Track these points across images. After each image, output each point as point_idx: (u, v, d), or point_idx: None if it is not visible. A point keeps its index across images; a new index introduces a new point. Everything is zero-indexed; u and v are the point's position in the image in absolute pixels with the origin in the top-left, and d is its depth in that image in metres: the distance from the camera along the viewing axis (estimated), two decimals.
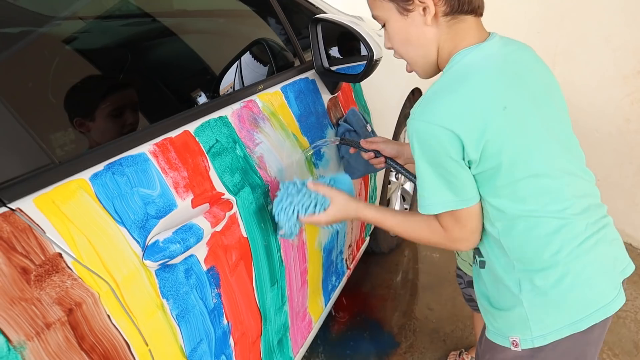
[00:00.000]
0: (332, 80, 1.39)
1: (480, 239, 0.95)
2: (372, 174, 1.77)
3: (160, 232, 0.83)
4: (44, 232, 0.68)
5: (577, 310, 0.88)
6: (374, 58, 1.26)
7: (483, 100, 0.82)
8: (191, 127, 0.97)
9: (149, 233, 0.82)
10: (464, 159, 0.84)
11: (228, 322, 1.00)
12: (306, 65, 1.39)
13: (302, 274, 1.32)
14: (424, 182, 0.88)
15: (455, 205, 0.87)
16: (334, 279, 1.58)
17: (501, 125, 0.82)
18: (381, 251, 2.25)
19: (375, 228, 2.02)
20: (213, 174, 0.97)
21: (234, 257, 1.00)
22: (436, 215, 0.92)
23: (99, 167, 0.79)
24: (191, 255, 0.89)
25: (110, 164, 0.80)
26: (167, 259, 0.82)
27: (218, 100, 1.08)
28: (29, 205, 0.68)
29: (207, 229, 0.89)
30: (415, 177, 0.94)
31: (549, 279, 0.86)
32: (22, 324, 0.63)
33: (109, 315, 0.73)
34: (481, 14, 0.90)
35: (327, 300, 1.55)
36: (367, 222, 1.07)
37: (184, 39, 1.52)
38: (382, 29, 0.95)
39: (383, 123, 1.83)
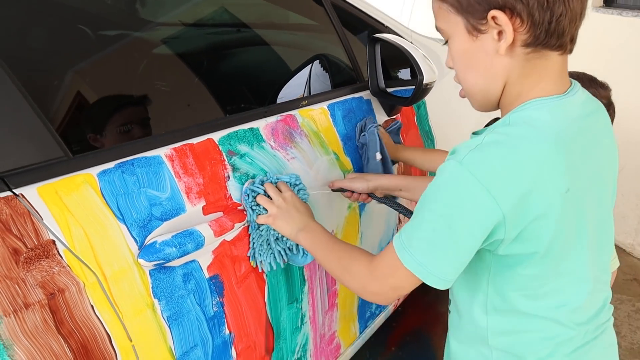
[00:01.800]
0: (386, 102, 1.35)
1: (454, 322, 0.84)
2: None
3: (162, 234, 0.86)
4: (42, 219, 0.74)
5: None
6: (424, 82, 1.20)
7: (549, 177, 0.67)
8: (216, 135, 0.99)
9: (149, 233, 0.85)
10: (487, 239, 0.69)
11: (230, 333, 1.00)
12: (363, 84, 1.37)
13: (331, 297, 1.29)
14: (420, 231, 0.72)
15: (424, 276, 0.71)
16: (373, 307, 1.52)
17: (557, 210, 0.68)
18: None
19: None
20: (232, 184, 0.99)
21: (243, 268, 1.00)
22: (379, 257, 0.80)
23: (110, 165, 0.83)
24: (193, 261, 0.91)
25: (121, 162, 0.84)
26: (162, 261, 0.84)
27: (254, 112, 1.10)
28: (32, 192, 0.74)
29: (209, 236, 0.90)
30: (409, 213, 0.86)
31: None
32: (1, 300, 0.68)
33: (92, 306, 0.77)
34: (570, 52, 0.72)
35: (363, 327, 1.49)
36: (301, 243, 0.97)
37: (256, 50, 1.58)
38: (445, 44, 0.78)
39: None
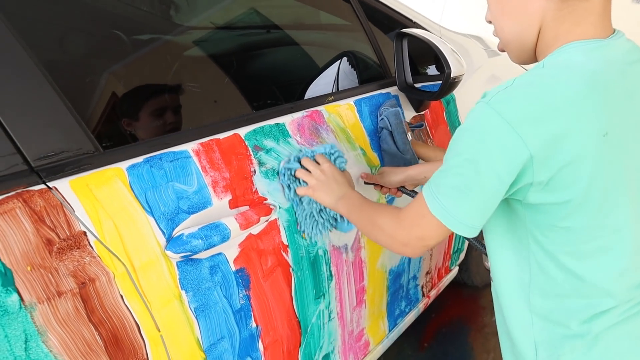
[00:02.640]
0: (414, 97, 1.34)
1: (496, 280, 0.82)
2: None
3: (189, 226, 0.88)
4: (74, 211, 0.76)
5: None
6: (451, 76, 1.18)
7: (583, 119, 0.65)
8: (242, 130, 1.01)
9: (177, 226, 0.86)
10: (515, 183, 0.68)
11: (257, 326, 1.01)
12: (390, 80, 1.36)
13: (359, 293, 1.28)
14: (447, 177, 0.71)
15: (450, 222, 0.71)
16: (403, 304, 1.51)
17: (592, 154, 0.65)
18: (474, 284, 2.08)
19: (466, 258, 1.88)
20: (258, 178, 1.00)
21: (269, 262, 1.01)
22: (407, 207, 0.80)
23: (139, 159, 0.86)
24: (219, 254, 0.92)
25: (149, 157, 0.87)
26: (189, 253, 0.86)
27: (280, 108, 1.11)
28: (65, 185, 0.77)
29: (235, 229, 0.91)
30: None
31: (574, 352, 0.72)
32: (36, 287, 0.71)
33: (122, 296, 0.79)
34: (609, 7, 0.69)
35: (392, 324, 1.48)
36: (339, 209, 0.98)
37: (284, 49, 1.59)
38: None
39: None
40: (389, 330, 1.48)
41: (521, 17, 0.72)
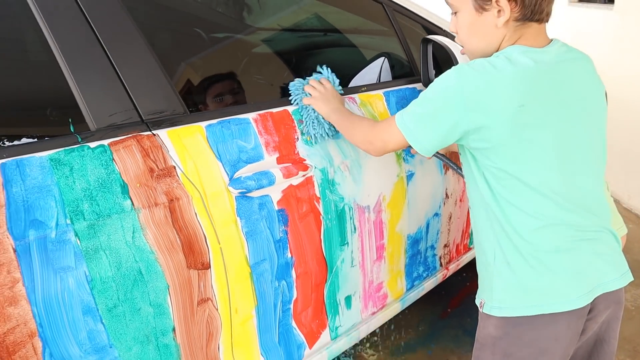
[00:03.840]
0: None
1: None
2: None
3: (246, 172, 1.21)
4: (168, 151, 1.11)
5: (535, 296, 0.97)
6: None
7: (504, 92, 0.93)
8: (290, 108, 1.33)
9: (237, 170, 1.19)
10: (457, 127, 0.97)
11: (292, 257, 1.32)
12: (417, 77, 1.64)
13: (379, 249, 1.57)
14: (417, 104, 1.02)
15: (409, 138, 1.03)
16: (421, 269, 1.77)
17: (506, 116, 0.93)
18: None
19: None
20: (300, 144, 1.31)
21: (304, 208, 1.32)
22: (382, 120, 1.13)
23: (214, 121, 1.19)
24: (267, 195, 1.24)
25: (222, 120, 1.20)
26: (244, 190, 1.18)
27: None
28: (164, 134, 1.12)
29: (279, 177, 1.23)
30: (459, 169, 1.14)
31: (520, 263, 0.99)
32: (141, 198, 1.05)
33: (196, 213, 1.13)
34: (547, 21, 1.00)
35: (409, 285, 1.75)
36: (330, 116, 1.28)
37: (335, 49, 1.90)
38: (452, 14, 1.07)
39: None
40: (407, 290, 1.75)
41: (487, 39, 1.02)
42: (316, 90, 1.31)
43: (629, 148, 2.90)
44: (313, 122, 1.31)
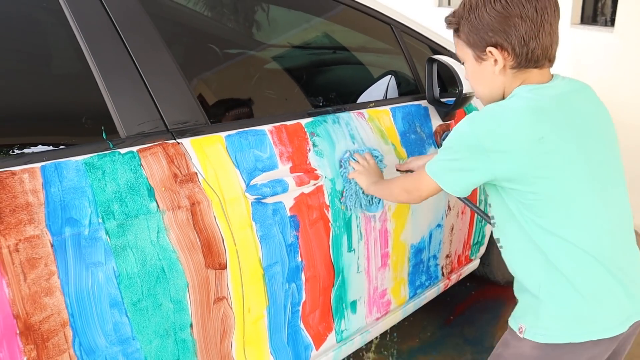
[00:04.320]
0: (440, 109, 1.70)
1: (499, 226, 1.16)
2: None
3: (262, 180, 1.29)
4: (191, 159, 1.20)
5: (585, 324, 1.05)
6: (463, 92, 1.54)
7: (523, 128, 0.99)
8: (304, 121, 1.42)
9: (253, 178, 1.28)
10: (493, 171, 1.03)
11: (302, 261, 1.41)
12: (422, 95, 1.73)
13: (384, 257, 1.65)
14: (442, 154, 1.10)
15: (440, 182, 1.11)
16: (424, 277, 1.85)
17: (527, 150, 0.98)
18: (495, 280, 2.36)
19: (488, 254, 2.18)
20: (312, 155, 1.40)
21: (314, 215, 1.41)
22: (412, 174, 1.24)
23: (233, 132, 1.29)
24: (280, 202, 1.33)
25: (240, 131, 1.29)
26: (260, 196, 1.27)
27: (334, 108, 1.52)
28: (187, 142, 1.21)
29: (292, 185, 1.32)
30: (486, 215, 1.26)
31: (571, 293, 1.05)
32: (166, 201, 1.14)
33: (215, 217, 1.21)
34: (551, 66, 1.07)
35: (412, 293, 1.82)
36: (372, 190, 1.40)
37: (344, 66, 2.01)
38: (463, 64, 1.18)
39: None
40: (410, 297, 1.82)
41: (489, 86, 1.11)
42: (360, 165, 1.43)
43: (630, 168, 2.97)
44: (351, 196, 1.45)
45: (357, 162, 1.45)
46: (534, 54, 1.03)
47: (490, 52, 1.05)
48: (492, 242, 2.15)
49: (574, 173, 1.02)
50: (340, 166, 1.45)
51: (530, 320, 1.11)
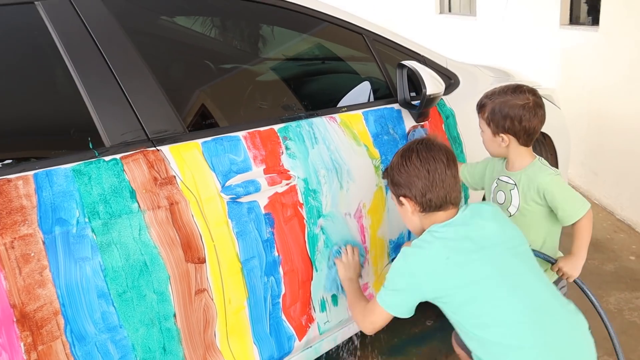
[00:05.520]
0: (411, 111, 1.80)
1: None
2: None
3: (236, 181, 1.42)
4: (169, 163, 1.33)
5: None
6: (427, 94, 1.65)
7: (435, 254, 1.27)
8: (277, 126, 1.54)
9: (229, 179, 1.40)
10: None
11: (279, 255, 1.52)
12: (394, 98, 1.84)
13: (364, 251, 1.75)
14: (387, 284, 1.35)
15: (394, 311, 1.34)
16: None
17: (442, 268, 1.25)
18: None
19: None
20: (284, 157, 1.52)
21: (289, 212, 1.52)
22: (370, 302, 1.41)
23: (209, 138, 1.41)
24: (254, 201, 1.45)
25: (215, 137, 1.42)
26: (234, 196, 1.39)
27: (307, 113, 1.63)
28: (166, 149, 1.34)
29: (264, 185, 1.44)
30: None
31: None
32: (147, 202, 1.27)
33: (192, 215, 1.34)
34: (453, 208, 1.33)
35: None
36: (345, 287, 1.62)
37: (327, 76, 2.12)
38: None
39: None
40: None
41: (410, 224, 1.42)
42: (345, 257, 1.65)
43: (620, 162, 3.03)
44: (330, 280, 1.66)
45: (346, 252, 1.66)
46: (432, 202, 1.31)
47: (402, 202, 1.36)
48: None
49: (483, 281, 1.24)
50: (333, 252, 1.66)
51: None
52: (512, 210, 1.59)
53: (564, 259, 1.56)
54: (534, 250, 1.58)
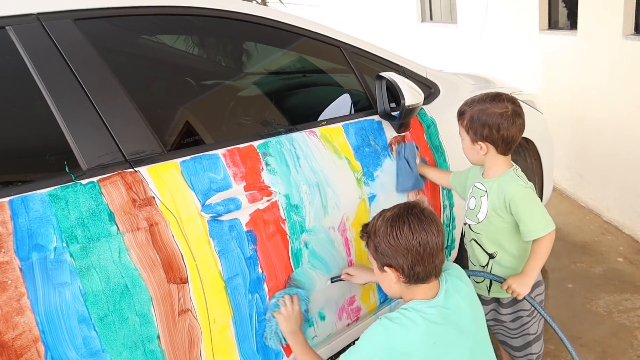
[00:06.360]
0: (391, 122, 1.81)
1: None
2: (449, 203, 2.07)
3: (216, 199, 1.41)
4: (148, 184, 1.33)
5: None
6: (406, 104, 1.66)
7: (420, 338, 1.24)
8: (256, 142, 1.54)
9: (208, 198, 1.40)
10: None
11: (262, 272, 1.51)
12: (375, 110, 1.85)
13: (349, 264, 1.74)
14: (361, 355, 1.26)
15: None
16: None
17: (424, 352, 1.22)
18: None
19: (461, 258, 2.26)
20: (265, 173, 1.52)
21: (271, 229, 1.52)
22: None
23: (187, 157, 1.41)
24: (235, 218, 1.44)
25: (194, 156, 1.42)
26: (215, 214, 1.39)
27: (286, 128, 1.64)
28: (144, 170, 1.34)
29: (245, 202, 1.43)
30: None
31: None
32: (126, 223, 1.27)
33: (173, 235, 1.33)
34: (435, 280, 1.31)
35: (383, 299, 1.91)
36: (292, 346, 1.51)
37: (307, 90, 2.13)
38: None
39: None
40: (380, 303, 1.91)
41: (389, 290, 1.36)
42: (285, 308, 1.54)
43: (604, 164, 3.06)
44: (271, 333, 1.56)
45: (285, 304, 1.54)
46: (419, 275, 1.27)
47: (385, 270, 1.30)
48: (462, 247, 2.24)
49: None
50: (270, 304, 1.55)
51: None
52: (480, 216, 1.59)
53: (514, 277, 1.54)
54: (482, 272, 1.61)
